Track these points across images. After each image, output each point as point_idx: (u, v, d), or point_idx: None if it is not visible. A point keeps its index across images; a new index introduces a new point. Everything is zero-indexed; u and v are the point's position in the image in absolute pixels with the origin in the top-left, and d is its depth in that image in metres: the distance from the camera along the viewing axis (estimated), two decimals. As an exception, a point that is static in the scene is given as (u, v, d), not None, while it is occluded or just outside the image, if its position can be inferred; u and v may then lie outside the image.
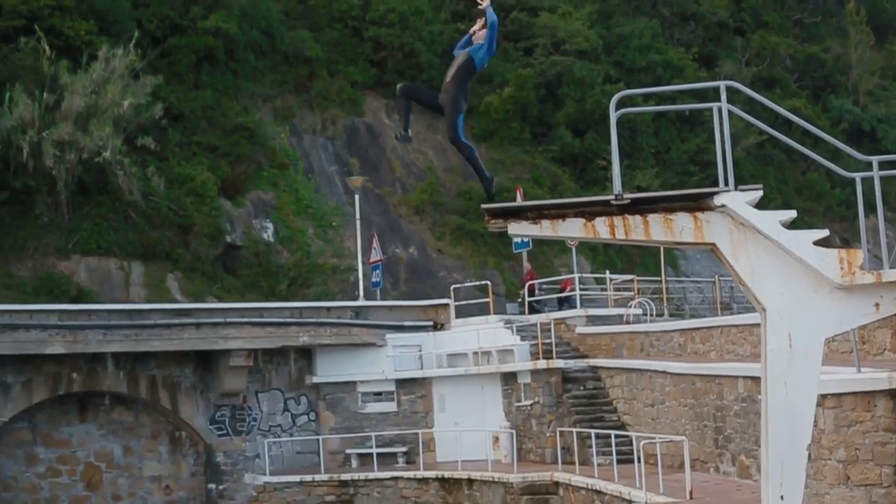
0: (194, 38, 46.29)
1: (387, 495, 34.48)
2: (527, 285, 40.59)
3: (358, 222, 41.75)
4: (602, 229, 12.53)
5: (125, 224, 40.63)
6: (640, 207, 12.46)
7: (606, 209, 12.49)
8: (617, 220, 12.47)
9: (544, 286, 41.92)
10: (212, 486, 36.33)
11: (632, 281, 40.74)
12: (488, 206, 12.98)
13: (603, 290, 41.59)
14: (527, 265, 42.29)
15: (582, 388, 33.70)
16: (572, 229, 12.70)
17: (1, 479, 34.36)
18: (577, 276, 39.49)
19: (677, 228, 12.41)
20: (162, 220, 41.15)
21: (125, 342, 34.02)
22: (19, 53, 40.91)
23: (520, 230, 12.95)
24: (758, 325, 13.79)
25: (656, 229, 12.45)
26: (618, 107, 12.77)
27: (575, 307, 38.31)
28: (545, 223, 12.69)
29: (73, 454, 35.44)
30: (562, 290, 40.90)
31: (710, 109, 12.65)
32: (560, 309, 39.43)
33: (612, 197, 12.47)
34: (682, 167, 54.65)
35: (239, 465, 36.50)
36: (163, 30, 46.15)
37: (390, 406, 37.34)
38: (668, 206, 12.45)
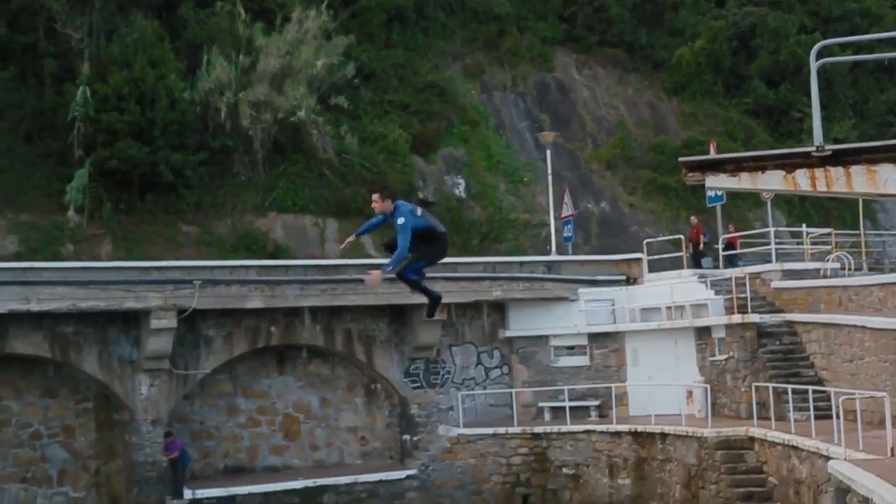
0: (385, -2, 46.79)
1: (579, 448, 34.57)
2: (720, 240, 40.14)
3: (549, 178, 41.75)
4: (803, 181, 12.32)
5: (319, 182, 41.46)
6: (841, 159, 12.21)
7: (807, 161, 12.27)
8: (818, 172, 12.24)
9: (740, 240, 41.38)
10: (406, 437, 36.96)
11: (829, 234, 39.86)
12: (686, 158, 12.89)
13: (799, 243, 40.86)
14: (693, 220, 41.73)
15: (778, 342, 33.19)
16: (772, 182, 12.52)
17: (204, 429, 35.53)
18: (772, 229, 38.80)
19: (881, 180, 12.12)
20: (355, 177, 41.85)
21: (321, 297, 34.71)
22: (216, 18, 41.95)
23: (718, 183, 12.82)
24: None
25: (859, 181, 12.19)
26: (816, 57, 12.52)
27: (738, 265, 37.81)
28: (744, 176, 12.54)
29: (273, 405, 36.43)
30: (729, 247, 40.25)
31: (914, 57, 12.32)
32: (729, 266, 39.02)
33: (814, 148, 12.25)
34: (881, 118, 53.17)
35: (433, 417, 37.04)
36: (354, -10, 46.71)
37: (583, 360, 37.40)
38: (871, 157, 12.17)
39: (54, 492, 33.61)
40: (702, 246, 39.65)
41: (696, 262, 39.17)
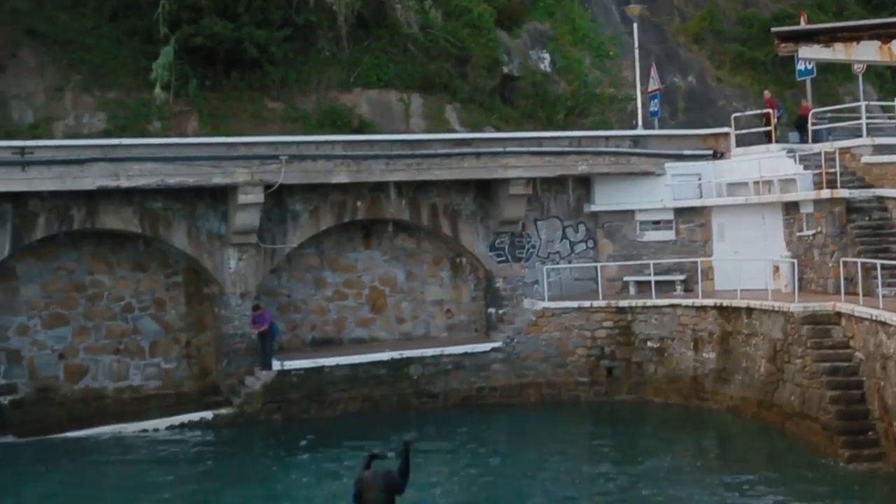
0: None
1: (664, 322, 34.60)
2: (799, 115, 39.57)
3: (636, 51, 41.21)
4: (899, 51, 12.06)
5: (404, 57, 41.29)
6: (940, 28, 11.92)
7: (904, 30, 12.00)
8: (915, 41, 11.98)
9: (827, 115, 40.73)
10: (491, 310, 37.22)
11: (922, 108, 39.09)
12: (779, 28, 12.66)
13: (891, 118, 40.14)
14: (766, 94, 41.04)
15: (867, 218, 32.79)
16: (866, 53, 12.29)
17: (292, 302, 36.02)
18: (863, 104, 38.08)
19: (979, 49, 11.83)
20: (440, 52, 41.61)
21: (407, 171, 34.77)
22: None
23: (810, 54, 12.60)
24: None
25: (957, 51, 11.90)
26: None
27: (807, 141, 37.25)
28: (838, 46, 12.31)
29: (359, 279, 36.80)
30: (801, 117, 39.59)
31: None
32: (801, 139, 38.46)
33: (911, 17, 11.96)
34: (979, -13, 51.69)
35: (518, 290, 37.22)
36: None
37: (668, 235, 37.27)
38: (970, 25, 11.87)
39: (146, 363, 34.39)
40: (775, 121, 38.96)
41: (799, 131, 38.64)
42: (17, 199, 31.60)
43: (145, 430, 31.61)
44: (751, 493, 23.96)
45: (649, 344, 34.78)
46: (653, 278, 35.70)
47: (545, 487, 25.22)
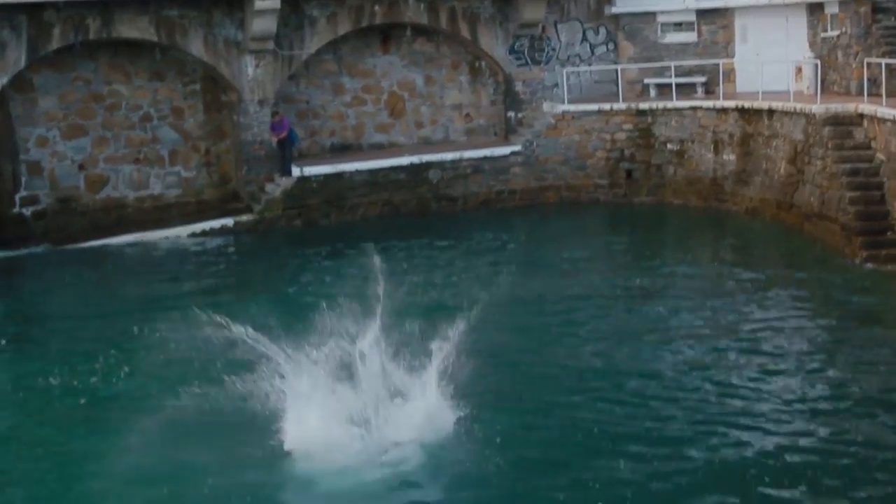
0: None
1: (685, 125, 34.37)
2: None
3: None
4: None
5: None
6: None
7: None
8: None
9: None
10: (511, 114, 37.02)
11: None
12: None
13: None
14: None
15: (893, 18, 32.16)
16: None
17: (310, 108, 35.88)
18: None
19: None
20: None
21: (424, -27, 34.24)
22: None
23: None
24: None
25: None
26: None
27: None
28: None
29: (377, 84, 36.56)
30: None
31: None
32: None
33: None
34: None
35: (537, 93, 36.95)
36: None
37: (690, 36, 36.73)
38: None
39: (166, 171, 34.46)
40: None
41: None
42: (32, 9, 31.21)
43: (167, 238, 31.92)
44: (768, 291, 24.16)
45: (669, 146, 34.63)
46: (674, 80, 35.34)
47: (561, 285, 25.55)
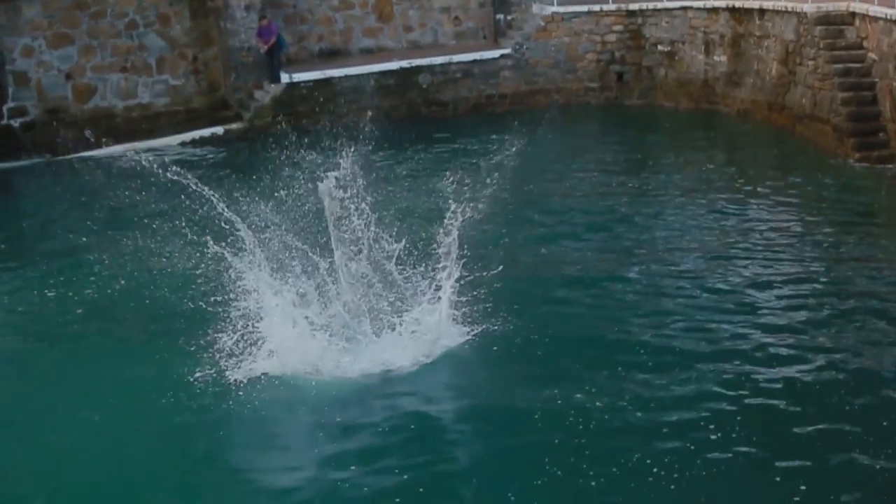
0: None
1: (675, 25, 34.14)
2: None
3: None
4: None
5: None
6: None
7: None
8: None
9: None
10: (500, 16, 36.70)
11: None
12: None
13: None
14: None
15: (884, -89, 31.89)
16: None
17: (298, 13, 35.52)
18: None
19: None
20: None
21: None
22: None
23: None
24: None
25: None
26: None
27: None
28: None
29: (365, -15, 36.28)
30: None
31: None
32: None
33: None
34: None
35: (527, -5, 36.66)
36: None
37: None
38: None
39: (154, 80, 34.17)
40: None
41: None
42: (12, -86, 30.85)
43: (156, 148, 31.76)
44: (759, 191, 24.28)
45: (660, 48, 34.44)
46: (664, -22, 35.09)
47: (550, 189, 25.74)
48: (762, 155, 28.50)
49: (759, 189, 24.45)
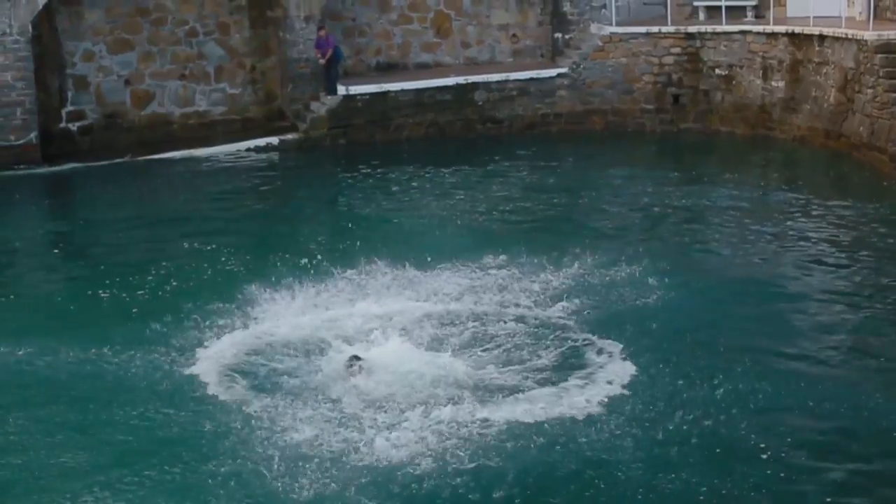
0: None
1: (734, 49, 33.96)
2: None
3: None
4: None
5: None
6: None
7: None
8: None
9: None
10: (558, 35, 36.64)
11: None
12: None
13: None
14: None
15: (949, -59, 31.67)
16: None
17: (357, 26, 35.68)
18: None
19: None
20: None
21: None
22: None
23: None
24: None
25: None
26: None
27: None
28: None
29: (424, 2, 36.26)
30: None
31: None
32: None
33: None
34: None
35: (585, 15, 36.44)
36: None
37: (741, -41, 36.26)
38: None
39: (212, 88, 34.43)
40: None
41: None
42: (79, -79, 31.22)
43: (213, 155, 32.00)
44: (815, 213, 24.36)
45: (717, 71, 34.27)
46: (724, 3, 34.85)
47: (605, 207, 26.03)
48: (817, 179, 28.36)
49: (811, 209, 24.35)
